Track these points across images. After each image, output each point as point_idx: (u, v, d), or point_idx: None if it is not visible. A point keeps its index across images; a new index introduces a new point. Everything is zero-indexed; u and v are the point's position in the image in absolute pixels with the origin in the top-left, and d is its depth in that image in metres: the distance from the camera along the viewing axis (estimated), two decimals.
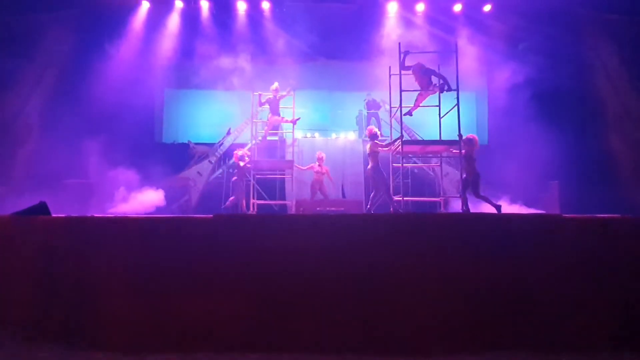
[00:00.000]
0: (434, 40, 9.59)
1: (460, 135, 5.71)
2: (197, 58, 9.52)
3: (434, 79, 6.00)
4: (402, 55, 6.00)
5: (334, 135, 9.44)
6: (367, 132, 6.11)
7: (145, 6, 9.13)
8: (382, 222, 3.43)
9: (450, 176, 8.45)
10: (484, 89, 10.41)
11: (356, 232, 3.28)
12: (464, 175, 5.62)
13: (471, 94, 10.72)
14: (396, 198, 5.92)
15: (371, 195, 5.93)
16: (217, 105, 10.33)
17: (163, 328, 3.04)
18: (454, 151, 5.85)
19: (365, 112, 9.62)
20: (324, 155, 7.34)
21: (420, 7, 9.26)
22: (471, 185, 5.53)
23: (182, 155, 8.93)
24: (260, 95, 7.40)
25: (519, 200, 7.45)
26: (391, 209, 5.77)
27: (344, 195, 8.55)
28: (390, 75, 6.38)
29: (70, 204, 6.69)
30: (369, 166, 5.82)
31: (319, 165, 7.31)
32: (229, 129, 9.14)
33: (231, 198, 7.14)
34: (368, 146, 5.90)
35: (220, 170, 8.91)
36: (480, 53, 9.61)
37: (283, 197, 8.50)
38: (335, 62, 10.32)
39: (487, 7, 9.14)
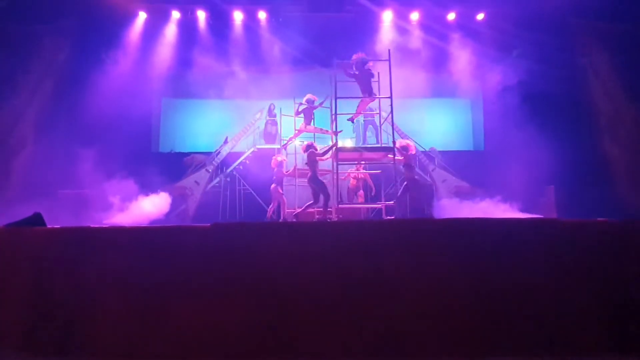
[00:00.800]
0: (429, 48, 9.73)
1: (394, 142, 5.83)
2: (195, 67, 9.57)
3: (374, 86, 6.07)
4: (355, 62, 6.09)
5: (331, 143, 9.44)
6: (302, 148, 6.16)
7: (142, 17, 9.20)
8: (380, 228, 3.42)
9: (448, 182, 8.48)
10: (479, 95, 10.52)
11: (355, 239, 3.27)
12: (405, 182, 5.78)
13: (466, 100, 10.84)
14: (347, 205, 6.27)
15: (308, 203, 5.94)
16: (214, 114, 10.37)
17: (159, 338, 3.00)
18: (390, 157, 5.91)
19: (362, 119, 9.67)
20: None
21: (414, 16, 9.39)
22: (410, 192, 5.71)
23: (179, 164, 8.91)
24: (299, 104, 7.24)
25: (515, 205, 7.49)
26: (327, 217, 5.88)
27: (341, 203, 8.51)
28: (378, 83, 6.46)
29: (66, 214, 6.64)
30: (308, 175, 5.83)
31: (357, 170, 7.16)
32: (226, 138, 9.15)
33: (271, 207, 7.09)
34: (305, 155, 5.95)
35: (218, 179, 8.89)
36: (475, 60, 9.74)
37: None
38: (332, 70, 10.39)
39: (481, 16, 9.28)
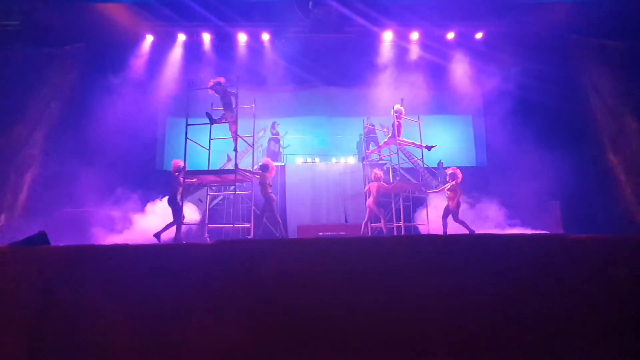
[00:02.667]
0: (429, 66, 9.90)
1: (236, 165, 6.13)
2: (200, 87, 9.75)
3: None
4: None
5: (334, 160, 9.52)
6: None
7: (149, 39, 9.47)
8: (383, 245, 3.40)
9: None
10: (480, 111, 10.61)
11: (359, 256, 3.25)
12: (263, 200, 6.23)
13: (468, 116, 10.93)
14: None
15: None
16: (218, 132, 10.48)
17: (164, 357, 2.95)
18: (248, 178, 6.40)
19: (364, 136, 9.76)
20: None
21: (414, 36, 9.59)
22: (267, 209, 6.05)
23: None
24: (368, 118, 7.24)
25: (519, 221, 7.42)
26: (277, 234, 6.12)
27: (346, 220, 8.50)
28: None
29: (70, 233, 6.65)
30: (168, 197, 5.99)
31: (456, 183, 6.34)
32: (228, 155, 9.23)
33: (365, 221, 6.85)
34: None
35: (221, 197, 8.91)
36: (475, 76, 9.89)
37: None
38: (334, 89, 10.58)
39: (479, 35, 9.46)
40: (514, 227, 7.36)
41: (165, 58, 9.62)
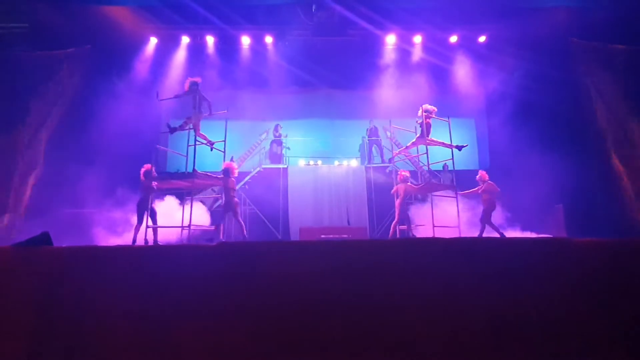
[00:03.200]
0: (432, 69, 9.90)
1: (194, 170, 6.20)
2: (203, 89, 9.80)
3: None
4: None
5: (337, 163, 9.52)
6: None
7: (153, 42, 9.52)
8: (386, 248, 3.39)
9: None
10: (483, 114, 10.59)
11: (361, 258, 3.24)
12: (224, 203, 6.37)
13: (470, 120, 10.91)
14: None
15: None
16: (221, 134, 10.51)
17: (165, 357, 2.94)
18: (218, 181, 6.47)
19: (367, 139, 9.77)
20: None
21: (417, 39, 9.60)
22: (232, 210, 6.15)
23: None
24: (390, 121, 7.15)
25: (523, 224, 7.38)
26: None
27: (348, 223, 8.49)
28: None
29: (72, 234, 6.67)
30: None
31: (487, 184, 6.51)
32: (232, 157, 9.24)
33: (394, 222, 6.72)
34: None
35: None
36: (478, 79, 9.88)
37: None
38: (336, 91, 10.60)
39: (482, 38, 9.46)
40: (517, 230, 7.32)
41: (169, 60, 9.66)
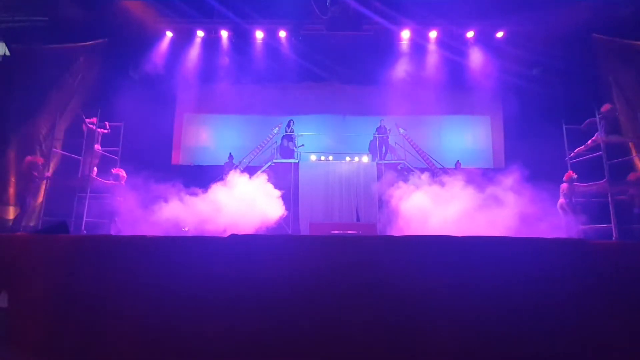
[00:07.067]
0: (448, 65, 9.74)
1: (89, 176, 6.69)
2: (216, 84, 9.87)
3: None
4: None
5: (348, 159, 9.48)
6: None
7: (168, 36, 9.62)
8: (395, 244, 3.36)
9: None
10: (499, 112, 10.39)
11: (371, 254, 3.22)
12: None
13: (486, 117, 10.73)
14: None
15: None
16: (234, 129, 10.60)
17: (179, 350, 2.99)
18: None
19: (378, 136, 9.70)
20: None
21: (433, 34, 9.45)
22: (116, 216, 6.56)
23: (197, 178, 9.07)
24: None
25: (539, 225, 7.23)
26: None
27: (358, 219, 8.47)
28: None
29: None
30: None
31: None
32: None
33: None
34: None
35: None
36: (494, 76, 9.67)
37: None
38: (349, 87, 10.53)
39: (500, 34, 9.26)
40: (531, 230, 7.18)
41: (184, 54, 9.75)
